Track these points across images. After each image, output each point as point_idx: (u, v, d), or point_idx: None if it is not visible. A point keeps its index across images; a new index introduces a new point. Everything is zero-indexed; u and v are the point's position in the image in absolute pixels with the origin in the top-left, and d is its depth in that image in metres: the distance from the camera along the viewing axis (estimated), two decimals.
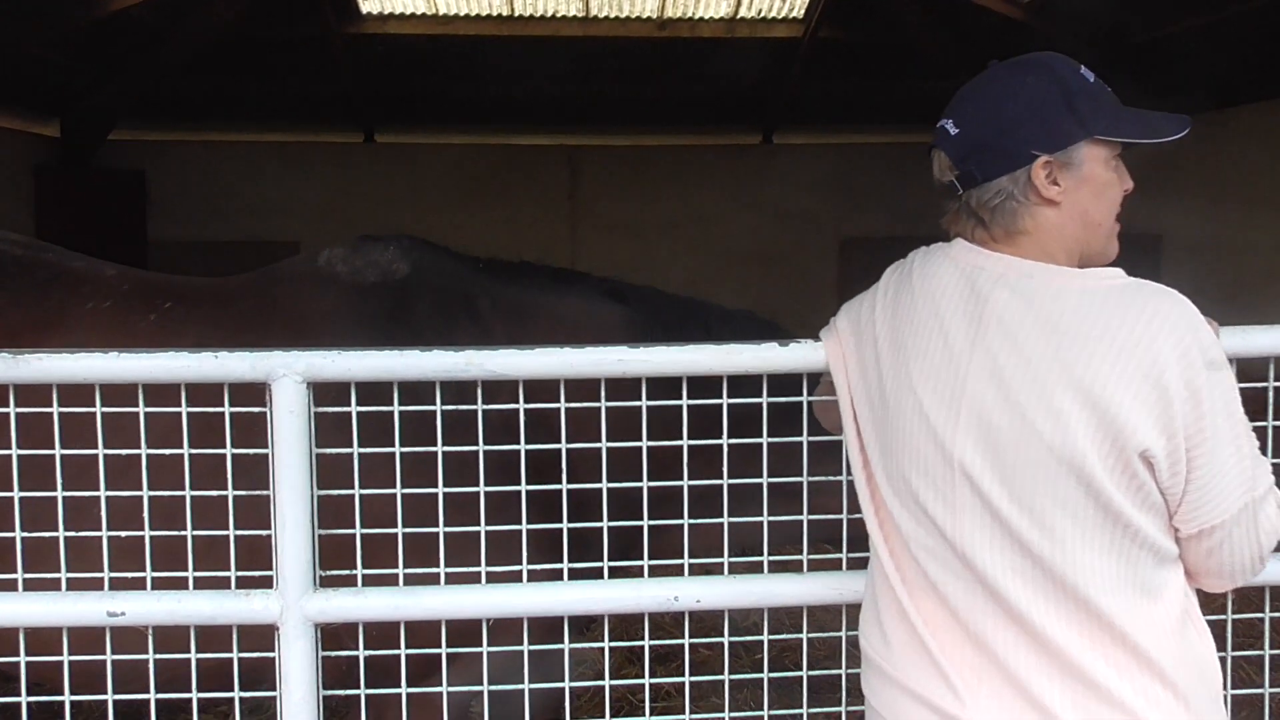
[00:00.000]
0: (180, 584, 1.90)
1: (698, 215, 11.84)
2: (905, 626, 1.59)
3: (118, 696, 1.91)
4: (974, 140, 1.55)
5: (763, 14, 10.39)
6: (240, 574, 1.89)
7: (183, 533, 1.88)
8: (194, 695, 1.90)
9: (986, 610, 1.51)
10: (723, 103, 11.65)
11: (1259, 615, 2.03)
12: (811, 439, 1.98)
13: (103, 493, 1.88)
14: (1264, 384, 1.98)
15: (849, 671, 1.95)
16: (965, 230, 1.61)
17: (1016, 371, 1.46)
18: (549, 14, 10.18)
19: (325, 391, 1.89)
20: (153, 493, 1.88)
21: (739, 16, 10.40)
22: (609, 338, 2.50)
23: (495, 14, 10.11)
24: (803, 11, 10.29)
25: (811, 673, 2.01)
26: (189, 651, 1.89)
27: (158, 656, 1.88)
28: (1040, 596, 1.47)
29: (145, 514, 1.88)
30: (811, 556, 1.98)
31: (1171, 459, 1.43)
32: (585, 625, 2.04)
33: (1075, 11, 8.94)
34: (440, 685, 1.98)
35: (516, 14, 10.13)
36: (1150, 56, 9.25)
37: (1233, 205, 10.25)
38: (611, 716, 2.01)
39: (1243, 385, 1.93)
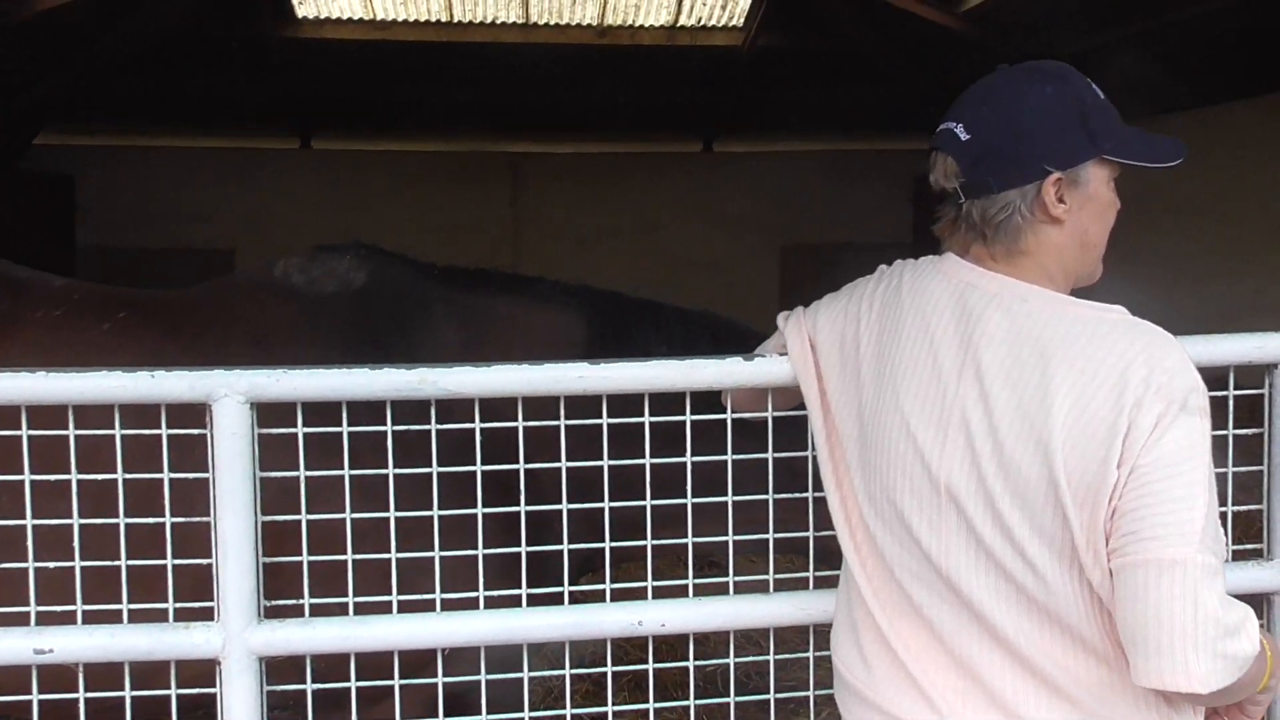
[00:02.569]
0: (115, 617, 1.79)
1: (640, 223, 11.83)
2: (885, 650, 1.55)
3: None
4: (987, 147, 1.48)
5: (702, 22, 10.40)
6: (179, 605, 1.79)
7: (116, 563, 1.77)
8: None
9: (972, 633, 1.47)
10: (664, 111, 11.65)
11: None
12: (776, 454, 1.93)
13: (29, 521, 1.77)
14: (1224, 392, 1.98)
15: (817, 693, 1.91)
16: (962, 243, 1.55)
17: (1001, 398, 1.41)
18: (489, 20, 10.09)
19: (274, 410, 1.80)
20: (84, 520, 1.77)
21: (679, 24, 10.40)
22: (562, 342, 2.46)
23: (434, 19, 9.99)
24: (742, 20, 10.31)
25: (779, 695, 1.96)
26: (125, 688, 1.78)
27: (89, 695, 1.76)
28: (1025, 620, 1.43)
29: (75, 543, 1.76)
30: (778, 576, 1.93)
31: (1123, 487, 1.34)
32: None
33: (1012, 21, 9.08)
34: (393, 713, 1.89)
35: (456, 20, 10.01)
36: (1084, 66, 9.41)
37: (1164, 213, 10.47)
38: None
39: (1238, 392, 1.95)
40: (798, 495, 1.94)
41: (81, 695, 1.77)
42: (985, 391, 1.42)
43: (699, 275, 11.30)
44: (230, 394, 1.73)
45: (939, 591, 1.49)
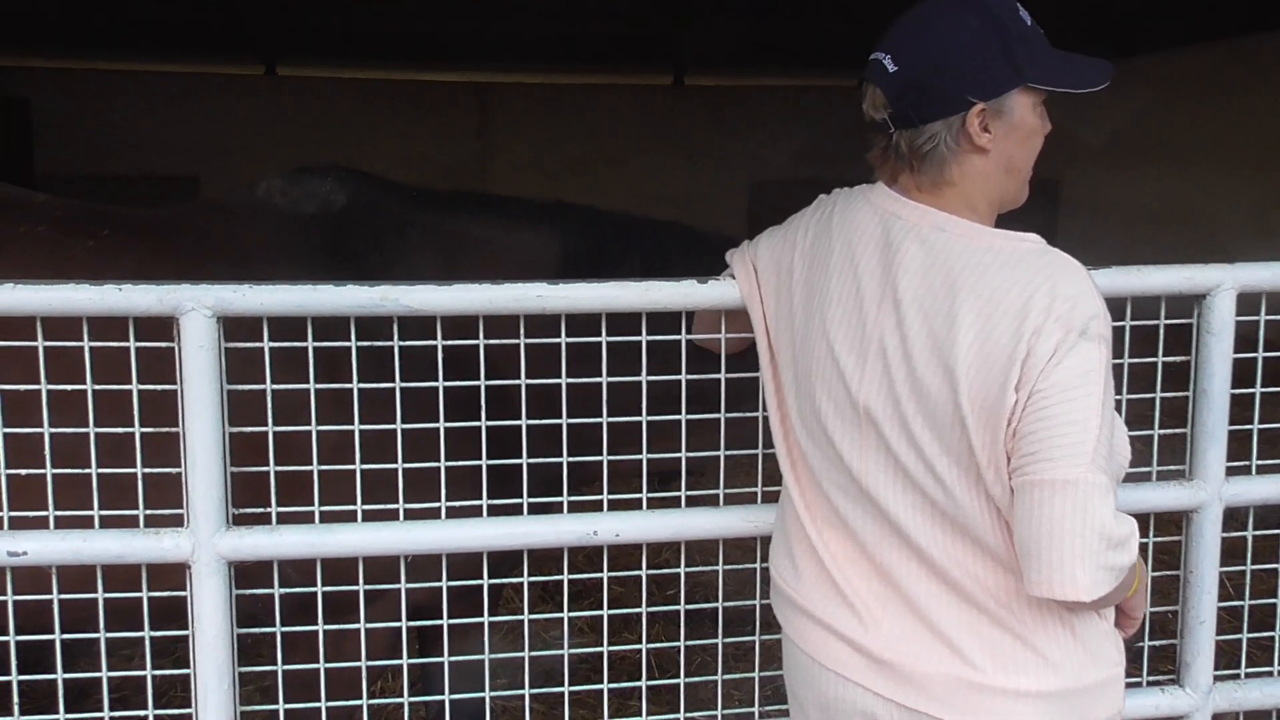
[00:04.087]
0: (87, 523, 1.85)
1: (608, 155, 11.79)
2: (814, 559, 1.65)
3: (20, 638, 1.86)
4: (911, 80, 1.50)
5: None
6: (150, 512, 1.85)
7: (87, 470, 1.83)
8: (102, 635, 1.86)
9: (892, 544, 1.56)
10: (634, 42, 11.54)
11: (1143, 540, 2.13)
12: (729, 375, 2.00)
13: (0, 429, 1.82)
14: (1155, 322, 2.07)
15: (763, 602, 2.01)
16: (892, 172, 1.60)
17: (915, 325, 1.48)
18: None
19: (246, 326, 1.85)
20: (55, 430, 1.82)
21: None
22: (536, 262, 2.52)
23: None
24: None
25: (727, 604, 2.05)
26: (98, 591, 1.84)
27: (63, 596, 1.83)
28: (937, 531, 1.53)
29: (46, 451, 1.81)
30: (728, 490, 2.02)
31: (1022, 410, 1.41)
32: (512, 565, 2.06)
33: None
34: (359, 622, 1.98)
35: None
36: (1053, 4, 9.44)
37: (1126, 153, 10.57)
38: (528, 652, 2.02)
39: (1135, 322, 2.04)
40: (748, 414, 2.02)
41: (55, 597, 1.83)
42: (901, 319, 1.49)
43: (667, 209, 11.17)
44: (197, 308, 1.78)
45: (862, 504, 1.58)
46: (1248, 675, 2.19)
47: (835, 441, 1.59)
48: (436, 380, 1.90)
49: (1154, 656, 2.16)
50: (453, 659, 2.04)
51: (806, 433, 1.65)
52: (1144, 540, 2.13)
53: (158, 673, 1.90)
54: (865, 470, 1.56)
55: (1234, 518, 2.12)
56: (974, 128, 1.50)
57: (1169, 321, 2.08)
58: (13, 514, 1.84)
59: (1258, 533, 2.17)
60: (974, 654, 1.51)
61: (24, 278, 1.78)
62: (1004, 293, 1.42)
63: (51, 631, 1.85)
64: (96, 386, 1.81)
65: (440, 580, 1.96)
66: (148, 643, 1.88)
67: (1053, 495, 1.39)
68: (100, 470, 1.84)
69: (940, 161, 1.53)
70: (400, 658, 2.06)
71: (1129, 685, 2.09)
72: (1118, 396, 2.02)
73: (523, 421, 1.96)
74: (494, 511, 1.96)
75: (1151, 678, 2.12)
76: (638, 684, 2.05)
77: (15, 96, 10.70)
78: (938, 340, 1.45)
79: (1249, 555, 2.18)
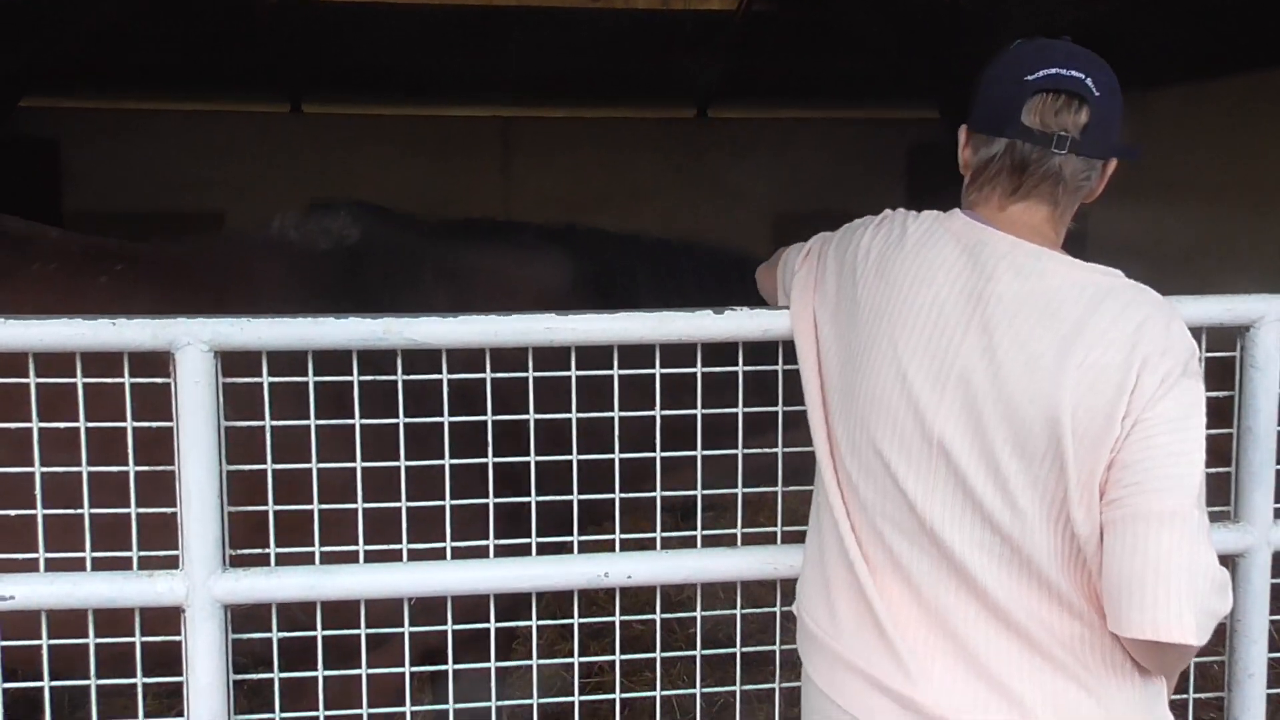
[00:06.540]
0: (78, 565, 1.78)
1: (632, 189, 11.76)
2: (861, 605, 1.54)
3: (7, 685, 1.79)
4: (1106, 111, 1.50)
5: None
6: (144, 554, 1.78)
7: (79, 511, 1.77)
8: (93, 683, 1.78)
9: (949, 585, 1.47)
10: (658, 76, 11.56)
11: None
12: (746, 410, 1.92)
13: None
14: (1232, 353, 1.98)
15: (783, 647, 1.91)
16: (1004, 189, 1.53)
17: (1009, 353, 1.42)
18: None
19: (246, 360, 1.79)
20: (45, 469, 1.76)
21: None
22: (549, 290, 2.48)
23: None
24: None
25: (745, 649, 1.96)
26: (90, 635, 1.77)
27: (52, 643, 1.76)
28: (1004, 572, 1.44)
29: (38, 491, 1.75)
30: (745, 530, 1.93)
31: (1125, 439, 1.37)
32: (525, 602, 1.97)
33: None
34: (373, 666, 1.89)
35: None
36: (1078, 38, 9.37)
37: (1152, 191, 10.44)
38: (542, 695, 1.93)
39: (1210, 354, 1.95)
40: (767, 450, 1.94)
41: (45, 643, 1.76)
42: (993, 345, 1.43)
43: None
44: (193, 342, 1.72)
45: (919, 542, 1.49)
46: None
47: (897, 475, 1.49)
48: (442, 415, 1.83)
49: (1199, 705, 2.04)
50: (460, 705, 1.95)
51: (859, 466, 1.55)
52: None
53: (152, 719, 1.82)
54: (930, 506, 1.47)
55: None
56: (1106, 176, 1.54)
57: (1210, 355, 1.98)
58: (1, 556, 1.78)
59: None
60: (1035, 705, 1.41)
61: (36, 315, 1.73)
62: (1109, 325, 1.40)
63: (41, 678, 1.78)
64: (89, 424, 1.75)
65: (447, 622, 1.88)
66: (140, 690, 1.80)
67: (1160, 528, 1.33)
68: (93, 510, 1.77)
69: (1081, 196, 1.54)
70: (406, 703, 1.98)
71: None
72: None
73: (531, 458, 1.88)
74: (502, 552, 1.88)
75: None
76: None
77: (44, 137, 10.81)
78: (1040, 369, 1.40)
79: None
